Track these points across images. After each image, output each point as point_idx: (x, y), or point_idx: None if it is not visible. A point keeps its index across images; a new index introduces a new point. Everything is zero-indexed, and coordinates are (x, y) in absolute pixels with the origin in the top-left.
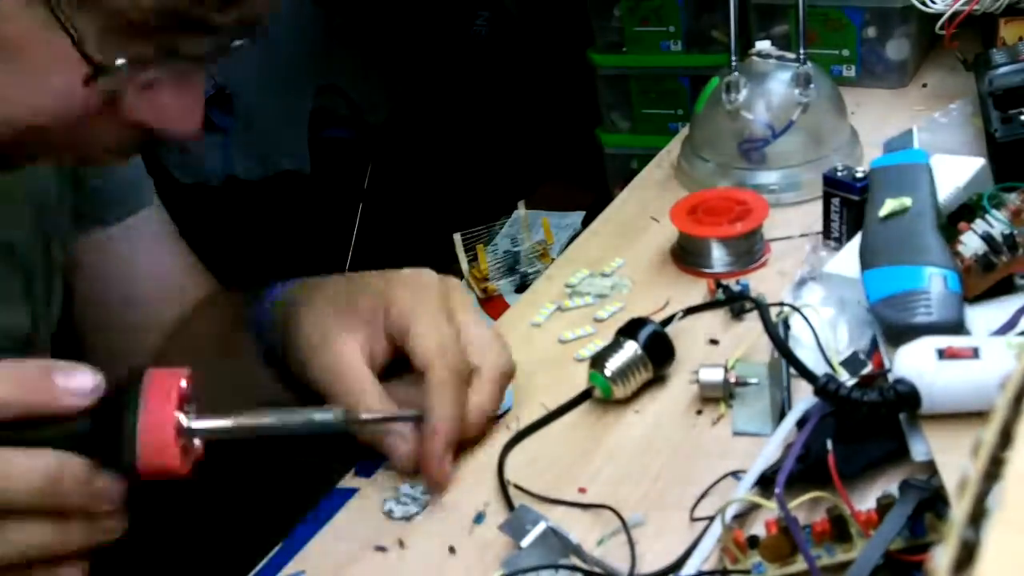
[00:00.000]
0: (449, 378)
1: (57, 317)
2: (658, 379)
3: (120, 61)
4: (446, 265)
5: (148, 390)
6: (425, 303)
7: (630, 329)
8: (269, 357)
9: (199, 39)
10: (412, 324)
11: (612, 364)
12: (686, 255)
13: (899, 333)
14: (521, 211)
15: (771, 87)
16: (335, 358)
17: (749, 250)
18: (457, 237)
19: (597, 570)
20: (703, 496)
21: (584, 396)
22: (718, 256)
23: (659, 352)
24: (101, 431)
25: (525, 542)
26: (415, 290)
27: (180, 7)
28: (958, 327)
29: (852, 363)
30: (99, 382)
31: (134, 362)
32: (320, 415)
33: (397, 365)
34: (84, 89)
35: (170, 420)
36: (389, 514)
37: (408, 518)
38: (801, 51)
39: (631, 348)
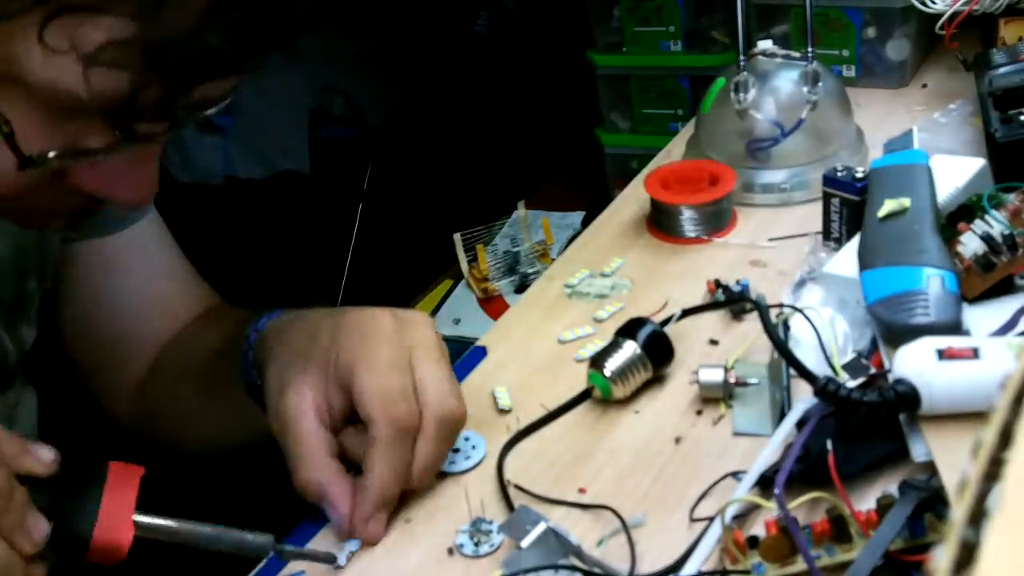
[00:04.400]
0: (388, 435)
1: (31, 340)
2: (658, 379)
3: (52, 154)
4: (446, 265)
5: (111, 476)
6: (372, 351)
7: (629, 329)
8: (253, 391)
9: (148, 123)
10: (356, 375)
11: (611, 364)
12: (660, 222)
13: (897, 334)
14: (521, 211)
15: (779, 86)
16: (286, 411)
17: (718, 215)
18: (457, 237)
19: (597, 570)
20: (703, 496)
21: (584, 396)
22: (688, 221)
23: (658, 352)
24: (63, 503)
25: (525, 542)
26: (362, 336)
27: (119, 96)
28: (956, 328)
29: (854, 367)
30: (58, 456)
31: (120, 372)
32: (252, 538)
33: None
34: (20, 172)
35: (130, 507)
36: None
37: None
38: (808, 49)
39: (630, 348)
